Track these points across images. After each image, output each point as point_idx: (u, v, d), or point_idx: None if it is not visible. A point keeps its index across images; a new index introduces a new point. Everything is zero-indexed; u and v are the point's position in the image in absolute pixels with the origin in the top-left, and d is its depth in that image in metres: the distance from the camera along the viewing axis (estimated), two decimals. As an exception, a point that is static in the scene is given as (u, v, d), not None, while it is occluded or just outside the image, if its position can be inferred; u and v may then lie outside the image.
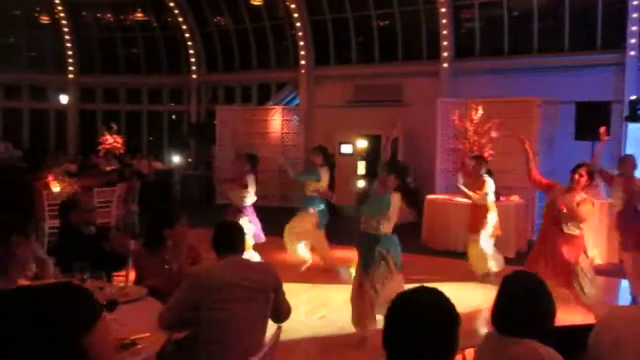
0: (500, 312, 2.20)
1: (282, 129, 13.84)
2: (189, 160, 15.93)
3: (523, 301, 2.14)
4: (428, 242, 9.04)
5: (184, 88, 16.55)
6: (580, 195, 5.01)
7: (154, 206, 11.07)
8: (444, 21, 12.17)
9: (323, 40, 14.12)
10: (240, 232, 3.17)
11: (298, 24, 13.98)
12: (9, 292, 1.23)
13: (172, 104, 17.05)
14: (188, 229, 3.77)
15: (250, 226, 6.73)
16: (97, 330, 1.19)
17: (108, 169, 11.02)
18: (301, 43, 14.13)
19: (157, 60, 16.83)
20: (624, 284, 7.43)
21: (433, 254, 8.56)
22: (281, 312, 3.12)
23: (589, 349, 2.31)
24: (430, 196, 9.42)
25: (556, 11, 11.35)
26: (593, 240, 7.84)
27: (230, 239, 3.10)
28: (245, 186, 6.81)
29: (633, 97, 9.00)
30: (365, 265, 4.76)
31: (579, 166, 5.07)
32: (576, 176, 5.02)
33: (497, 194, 8.16)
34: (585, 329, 2.58)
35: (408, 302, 1.61)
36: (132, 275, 4.00)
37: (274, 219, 7.64)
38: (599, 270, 7.59)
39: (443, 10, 12.12)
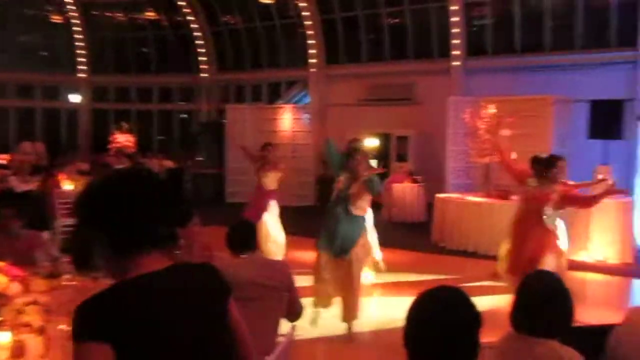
0: (521, 312, 2.17)
1: (293, 127, 13.83)
2: (200, 159, 15.97)
3: (544, 301, 2.12)
4: (438, 241, 9.00)
5: (195, 87, 16.61)
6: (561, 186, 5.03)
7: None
8: (456, 19, 12.11)
9: (333, 39, 14.10)
10: (253, 230, 3.18)
11: (308, 23, 13.97)
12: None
13: (183, 103, 17.12)
14: (201, 228, 3.78)
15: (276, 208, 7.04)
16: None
17: (119, 167, 11.06)
18: (312, 42, 14.12)
19: (167, 59, 16.93)
20: (637, 283, 7.38)
21: (444, 252, 8.52)
22: (294, 311, 3.11)
23: (611, 349, 2.29)
24: (440, 195, 9.37)
25: (569, 9, 11.26)
26: (608, 239, 7.79)
27: (244, 237, 3.11)
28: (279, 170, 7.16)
29: (647, 95, 8.91)
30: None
31: (558, 159, 5.02)
32: (556, 169, 4.94)
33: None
34: (602, 329, 2.56)
35: (433, 301, 1.59)
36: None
37: (289, 218, 7.67)
38: (613, 270, 7.56)
39: (454, 7, 12.06)
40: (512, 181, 5.85)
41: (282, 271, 3.08)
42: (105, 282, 2.92)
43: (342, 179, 4.85)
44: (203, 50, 16.12)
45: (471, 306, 1.58)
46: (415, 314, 1.59)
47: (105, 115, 16.98)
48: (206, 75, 16.21)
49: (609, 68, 10.49)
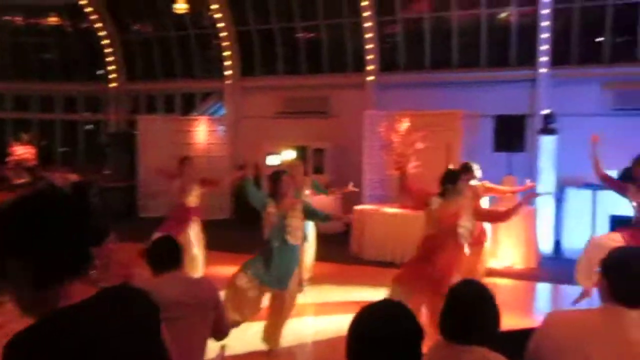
0: (450, 320, 2.21)
1: (208, 139, 13.57)
2: (108, 171, 15.24)
3: (471, 308, 2.17)
4: (357, 252, 9.12)
5: (102, 96, 15.84)
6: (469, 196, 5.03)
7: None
8: (369, 35, 12.44)
9: (249, 51, 14.02)
10: (177, 246, 3.03)
11: (223, 34, 13.80)
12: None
13: (89, 113, 16.28)
14: (117, 245, 3.57)
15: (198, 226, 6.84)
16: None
17: (18, 182, 10.30)
18: (227, 53, 13.95)
19: (72, 67, 16.03)
20: (541, 287, 7.87)
21: (363, 263, 8.65)
22: (222, 329, 3.00)
23: (530, 354, 2.37)
24: (358, 207, 9.52)
25: (474, 28, 11.91)
26: (515, 246, 8.25)
27: (167, 254, 2.95)
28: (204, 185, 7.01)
29: (546, 111, 9.58)
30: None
31: (462, 172, 5.00)
32: (461, 182, 4.84)
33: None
34: (523, 334, 2.67)
35: (374, 314, 1.58)
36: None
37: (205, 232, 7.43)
38: (519, 275, 8.02)
39: (368, 24, 12.39)
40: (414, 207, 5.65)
41: (208, 288, 2.95)
42: (13, 309, 2.67)
43: (271, 210, 4.66)
44: (111, 59, 15.44)
45: (412, 318, 1.59)
46: (357, 328, 1.57)
47: (2, 125, 15.78)
48: (115, 84, 15.53)
49: (511, 85, 11.20)
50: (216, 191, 13.27)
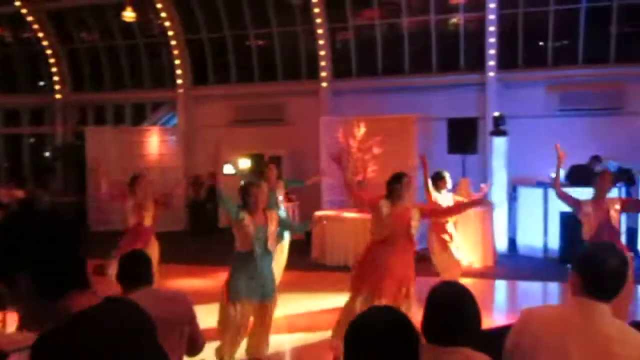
0: (432, 323, 2.23)
1: (160, 150, 13.28)
2: (56, 186, 14.69)
3: (452, 310, 2.19)
4: (318, 258, 9.11)
5: (47, 108, 15.28)
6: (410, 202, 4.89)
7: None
8: (322, 42, 12.52)
9: (201, 60, 13.84)
10: (148, 262, 2.94)
11: (173, 43, 13.58)
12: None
13: (33, 126, 15.65)
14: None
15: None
16: None
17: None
18: (178, 62, 13.73)
19: (14, 78, 15.39)
20: (498, 284, 8.09)
21: (325, 269, 8.64)
22: (196, 345, 2.92)
23: (507, 351, 2.42)
24: (318, 212, 9.52)
25: (424, 35, 12.17)
26: (473, 245, 8.43)
27: (138, 269, 2.86)
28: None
29: (496, 114, 9.86)
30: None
31: (403, 176, 4.81)
32: (399, 185, 4.71)
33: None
34: (499, 332, 2.72)
35: (371, 322, 1.56)
36: (11, 318, 3.53)
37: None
38: (477, 273, 8.20)
39: (320, 31, 12.46)
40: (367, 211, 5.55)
41: (183, 303, 2.87)
42: None
43: (246, 222, 4.46)
44: (55, 69, 14.91)
45: (409, 323, 1.59)
46: (354, 337, 1.55)
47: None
48: (60, 95, 15.00)
49: (462, 89, 11.50)
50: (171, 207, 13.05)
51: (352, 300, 4.74)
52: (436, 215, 5.61)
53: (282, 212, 7.03)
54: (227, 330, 4.46)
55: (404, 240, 4.69)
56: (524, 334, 2.33)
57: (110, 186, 6.71)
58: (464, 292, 2.29)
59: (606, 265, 2.21)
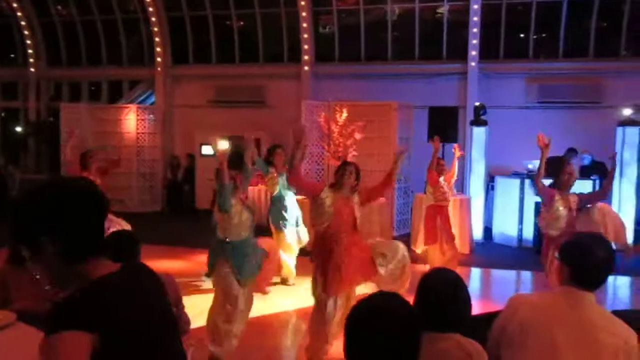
0: (422, 309, 2.24)
1: (137, 129, 13.05)
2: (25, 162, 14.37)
3: (445, 296, 2.20)
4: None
5: (20, 82, 14.86)
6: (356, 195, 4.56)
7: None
8: (305, 25, 12.40)
9: (181, 38, 13.59)
10: (133, 241, 2.88)
11: (153, 19, 13.29)
12: None
13: (5, 100, 15.23)
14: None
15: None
16: None
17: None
18: (157, 40, 13.46)
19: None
20: (474, 272, 8.22)
21: (303, 254, 8.64)
22: (182, 326, 2.90)
23: (494, 336, 2.45)
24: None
25: (407, 22, 12.15)
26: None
27: (123, 249, 2.79)
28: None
29: (477, 104, 9.94)
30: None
31: (347, 164, 4.57)
32: (346, 176, 4.44)
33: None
34: (487, 317, 2.76)
35: (368, 309, 1.56)
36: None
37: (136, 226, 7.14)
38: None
39: (303, 14, 12.34)
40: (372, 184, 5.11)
41: (168, 284, 2.83)
42: None
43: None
44: (30, 42, 14.48)
45: (408, 306, 1.59)
46: (351, 323, 1.54)
47: None
48: (34, 69, 14.59)
49: (444, 78, 11.55)
50: (147, 183, 12.88)
51: (331, 306, 4.39)
52: (376, 195, 4.89)
53: (293, 194, 7.03)
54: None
55: (352, 233, 4.42)
56: (512, 321, 2.36)
57: (72, 153, 6.67)
58: (456, 278, 2.31)
59: (594, 255, 2.25)
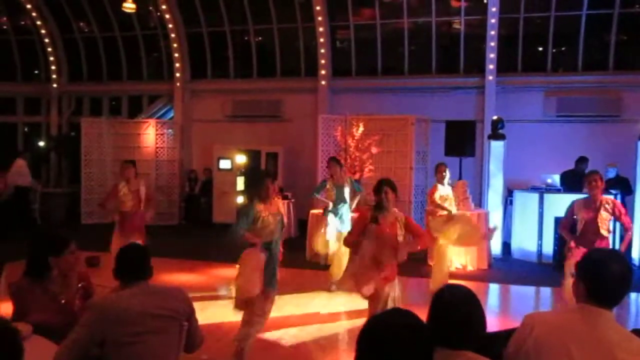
0: (435, 325, 2.21)
1: (156, 143, 13.21)
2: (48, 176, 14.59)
3: (460, 313, 2.17)
4: (313, 257, 9.07)
5: (43, 98, 15.15)
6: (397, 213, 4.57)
7: (10, 228, 9.95)
8: (321, 40, 12.48)
9: (200, 54, 13.77)
10: (147, 256, 2.89)
11: (173, 35, 13.50)
12: None
13: (28, 115, 15.51)
14: (78, 256, 3.39)
15: None
16: None
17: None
18: (176, 55, 13.66)
19: (10, 66, 15.23)
20: (492, 288, 8.10)
21: (319, 268, 8.61)
22: (195, 340, 2.89)
23: (509, 354, 2.41)
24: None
25: (425, 36, 12.16)
26: (467, 247, 8.44)
27: (137, 264, 2.81)
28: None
29: (494, 117, 9.87)
30: None
31: (384, 184, 4.53)
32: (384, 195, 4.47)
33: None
34: (503, 335, 2.71)
35: (382, 325, 1.54)
36: (5, 309, 3.50)
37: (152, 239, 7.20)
38: (471, 276, 8.21)
39: (320, 29, 12.42)
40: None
41: (180, 298, 2.83)
42: None
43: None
44: (52, 58, 14.78)
45: (420, 322, 1.57)
46: (369, 338, 1.53)
47: None
48: (56, 85, 14.88)
49: (461, 92, 11.51)
50: (165, 197, 12.99)
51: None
52: (419, 238, 4.76)
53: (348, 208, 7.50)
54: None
55: (389, 256, 4.41)
56: (527, 340, 2.31)
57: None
58: (471, 295, 2.28)
59: (610, 272, 2.20)
